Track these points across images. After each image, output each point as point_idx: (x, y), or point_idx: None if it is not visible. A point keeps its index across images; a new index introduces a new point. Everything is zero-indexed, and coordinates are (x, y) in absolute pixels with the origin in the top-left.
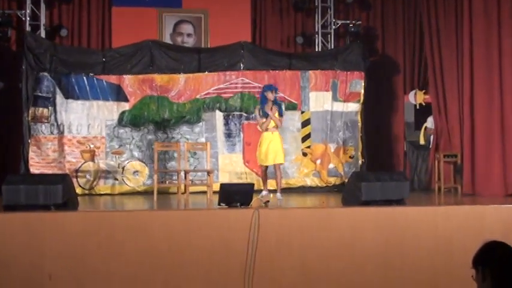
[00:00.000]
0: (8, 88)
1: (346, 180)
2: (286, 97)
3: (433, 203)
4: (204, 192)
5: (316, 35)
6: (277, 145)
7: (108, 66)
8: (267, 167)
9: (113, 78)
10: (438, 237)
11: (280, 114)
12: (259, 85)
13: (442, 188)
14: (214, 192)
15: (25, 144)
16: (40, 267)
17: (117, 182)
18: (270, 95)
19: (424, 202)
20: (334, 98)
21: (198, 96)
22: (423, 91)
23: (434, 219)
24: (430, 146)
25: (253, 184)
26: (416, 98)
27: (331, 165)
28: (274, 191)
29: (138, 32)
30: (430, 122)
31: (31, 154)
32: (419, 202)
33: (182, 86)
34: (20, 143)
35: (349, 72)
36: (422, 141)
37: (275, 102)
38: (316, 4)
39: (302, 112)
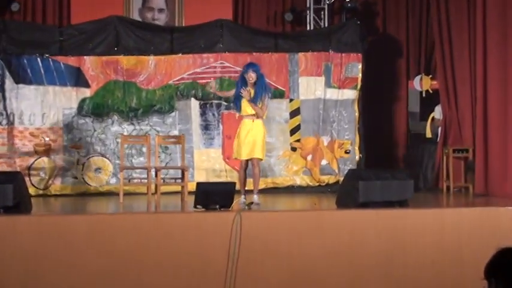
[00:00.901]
0: None
1: (342, 179)
2: (272, 83)
3: (441, 204)
4: (178, 193)
5: (308, 12)
6: (257, 136)
7: (66, 46)
8: (247, 163)
9: (71, 60)
10: (446, 244)
11: (254, 100)
12: (241, 69)
13: (451, 187)
14: (190, 192)
15: None
16: None
17: (76, 180)
18: (251, 76)
19: (430, 204)
20: (328, 84)
21: (170, 82)
22: (430, 76)
23: (442, 224)
24: (438, 140)
25: (234, 183)
26: (422, 84)
27: (323, 162)
28: (250, 192)
29: (101, 6)
30: (437, 112)
31: None
32: (424, 204)
33: (152, 69)
34: None
35: (344, 55)
36: (428, 134)
37: (259, 85)
38: None
39: (290, 100)
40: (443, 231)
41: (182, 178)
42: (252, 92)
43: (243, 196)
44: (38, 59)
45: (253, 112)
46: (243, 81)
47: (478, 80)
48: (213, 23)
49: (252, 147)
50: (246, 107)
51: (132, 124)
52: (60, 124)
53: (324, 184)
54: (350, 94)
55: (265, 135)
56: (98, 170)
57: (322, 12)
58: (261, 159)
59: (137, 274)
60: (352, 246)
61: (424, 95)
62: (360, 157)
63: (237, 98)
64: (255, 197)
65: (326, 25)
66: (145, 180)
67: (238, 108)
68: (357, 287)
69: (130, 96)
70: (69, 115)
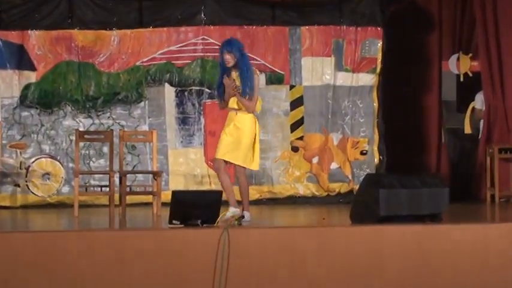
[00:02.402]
0: None
1: (357, 187)
2: (267, 65)
3: (484, 218)
4: (149, 204)
5: None
6: (242, 136)
7: (5, 18)
8: (225, 164)
9: (12, 36)
10: (490, 268)
11: (243, 91)
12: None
13: (496, 196)
14: (164, 204)
15: None
16: None
17: (18, 189)
18: (226, 59)
19: (470, 217)
20: (339, 67)
21: (138, 63)
22: (469, 55)
23: (485, 242)
24: (480, 136)
25: (220, 192)
26: (459, 65)
27: (333, 165)
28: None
29: None
30: (479, 101)
31: None
32: (463, 217)
33: (115, 48)
34: None
35: (360, 29)
36: (468, 129)
37: (242, 69)
38: None
39: (291, 87)
40: (487, 251)
41: (154, 186)
42: (236, 79)
43: (231, 208)
44: None
45: (234, 105)
46: (224, 65)
47: None
48: None
49: (233, 148)
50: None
51: (90, 117)
52: None
53: (334, 193)
54: (367, 79)
55: (257, 135)
56: (47, 175)
57: None
58: (245, 168)
59: None
60: (370, 272)
61: (462, 79)
62: (379, 159)
63: (220, 86)
64: (246, 214)
65: None
66: (107, 189)
67: (222, 98)
68: None
69: (87, 82)
70: (9, 106)
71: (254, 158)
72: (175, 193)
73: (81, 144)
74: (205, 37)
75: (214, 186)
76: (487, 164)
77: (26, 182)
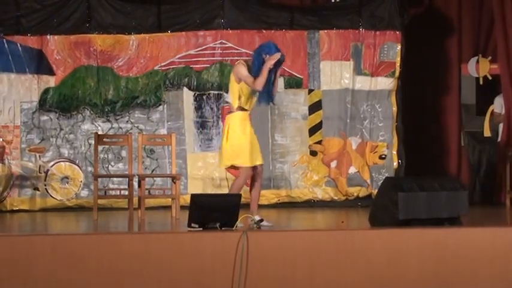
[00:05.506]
0: None
1: (375, 191)
2: (286, 69)
3: (503, 222)
4: (168, 208)
5: None
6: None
7: (24, 23)
8: (254, 169)
9: (31, 41)
10: (510, 271)
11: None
12: (247, 51)
13: None
14: (183, 207)
15: None
16: None
17: (38, 192)
18: (272, 60)
19: (489, 221)
20: (357, 71)
21: (156, 68)
22: (489, 58)
23: (505, 246)
24: (499, 140)
25: (239, 196)
26: (478, 68)
27: (352, 170)
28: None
29: None
30: (498, 104)
31: None
32: (482, 221)
33: (134, 52)
34: None
35: (379, 33)
36: (487, 132)
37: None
38: None
39: (310, 91)
40: (507, 256)
41: (173, 189)
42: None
43: (257, 217)
44: None
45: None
46: (258, 61)
47: None
48: None
49: (258, 150)
50: (252, 98)
51: (109, 121)
52: (17, 121)
53: (352, 198)
54: (386, 83)
55: None
56: (65, 179)
57: None
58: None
59: None
60: (389, 275)
61: (481, 82)
62: (398, 163)
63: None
64: (260, 219)
65: None
66: (126, 192)
67: (271, 99)
68: None
69: (106, 86)
70: (28, 110)
71: None
72: (194, 196)
73: (100, 148)
74: (224, 41)
75: None
76: (507, 167)
77: (45, 185)
